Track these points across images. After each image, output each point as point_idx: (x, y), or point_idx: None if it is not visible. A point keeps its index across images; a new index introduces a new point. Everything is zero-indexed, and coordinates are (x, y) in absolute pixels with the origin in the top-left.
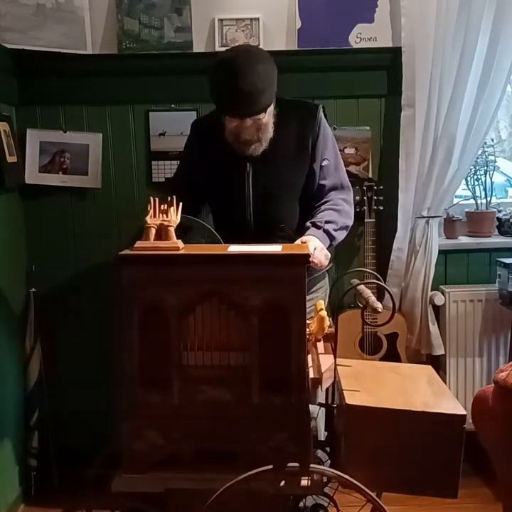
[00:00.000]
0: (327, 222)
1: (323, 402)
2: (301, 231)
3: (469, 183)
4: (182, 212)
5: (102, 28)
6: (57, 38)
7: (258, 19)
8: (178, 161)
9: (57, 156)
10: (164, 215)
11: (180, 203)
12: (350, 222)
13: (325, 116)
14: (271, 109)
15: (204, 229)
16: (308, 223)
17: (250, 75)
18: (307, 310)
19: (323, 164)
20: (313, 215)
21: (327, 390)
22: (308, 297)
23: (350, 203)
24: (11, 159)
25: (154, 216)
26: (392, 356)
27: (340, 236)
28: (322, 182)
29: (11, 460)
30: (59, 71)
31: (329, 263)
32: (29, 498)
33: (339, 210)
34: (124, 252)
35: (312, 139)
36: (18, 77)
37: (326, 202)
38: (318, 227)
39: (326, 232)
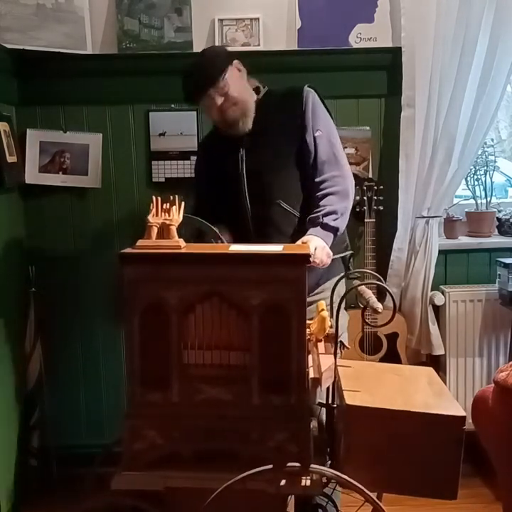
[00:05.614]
0: (325, 215)
1: (323, 402)
2: (303, 215)
3: (469, 183)
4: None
5: (102, 28)
6: (57, 38)
7: (258, 19)
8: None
9: (57, 156)
10: (166, 214)
11: (183, 203)
12: (349, 203)
13: (317, 92)
14: (230, 80)
15: (215, 235)
16: (307, 220)
17: (197, 62)
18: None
19: (316, 134)
20: (313, 204)
21: (327, 390)
22: (317, 297)
23: (345, 178)
24: (11, 159)
25: (156, 215)
26: (392, 356)
27: (343, 223)
28: (317, 154)
29: (11, 460)
30: (59, 71)
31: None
32: (29, 498)
33: (336, 192)
34: (125, 251)
35: (299, 111)
36: (18, 77)
37: (322, 182)
38: (317, 225)
39: (326, 226)
